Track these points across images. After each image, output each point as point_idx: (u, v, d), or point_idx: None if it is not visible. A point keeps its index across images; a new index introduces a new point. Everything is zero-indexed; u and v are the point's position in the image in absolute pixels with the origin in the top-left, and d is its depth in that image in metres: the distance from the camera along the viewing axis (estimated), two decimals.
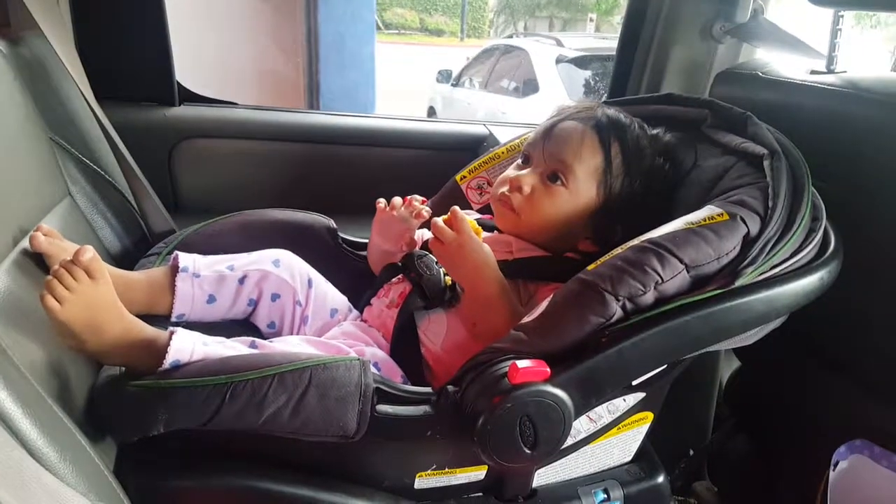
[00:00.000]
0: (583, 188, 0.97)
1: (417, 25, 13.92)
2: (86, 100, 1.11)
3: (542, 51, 5.22)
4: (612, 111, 1.02)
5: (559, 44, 5.35)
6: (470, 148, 1.51)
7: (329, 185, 1.50)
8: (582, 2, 10.72)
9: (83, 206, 1.08)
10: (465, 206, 1.19)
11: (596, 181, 0.97)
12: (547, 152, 0.98)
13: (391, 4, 16.19)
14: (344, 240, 1.15)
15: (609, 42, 6.62)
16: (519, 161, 1.05)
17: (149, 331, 0.77)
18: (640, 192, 0.98)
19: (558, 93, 4.76)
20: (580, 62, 4.99)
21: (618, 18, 9.37)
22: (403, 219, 1.02)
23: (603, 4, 9.32)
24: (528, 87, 5.03)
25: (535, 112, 4.43)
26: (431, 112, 6.39)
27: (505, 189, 1.00)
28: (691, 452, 1.35)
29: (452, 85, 6.17)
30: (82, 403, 0.75)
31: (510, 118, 4.38)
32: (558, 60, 4.98)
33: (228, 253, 1.01)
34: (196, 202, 1.47)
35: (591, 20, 10.47)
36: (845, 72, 1.08)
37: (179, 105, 1.46)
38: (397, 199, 1.03)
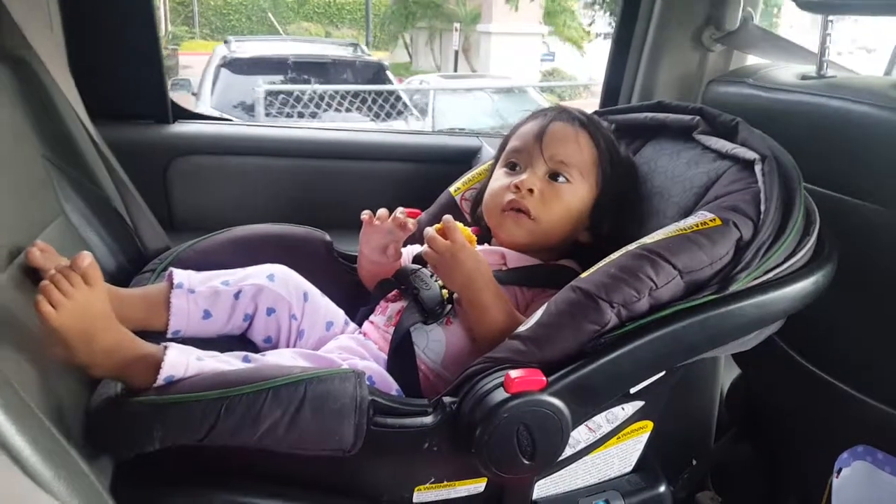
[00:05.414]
0: (584, 182, 1.02)
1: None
2: (79, 118, 1.11)
3: (217, 54, 5.34)
4: (578, 111, 1.09)
5: (228, 47, 5.45)
6: (463, 160, 1.51)
7: (324, 199, 1.50)
8: (453, 11, 10.97)
9: (77, 224, 1.08)
10: (459, 217, 1.19)
11: (593, 174, 1.03)
12: (546, 154, 1.01)
13: (295, 18, 15.65)
14: (339, 253, 1.15)
15: (289, 45, 6.55)
16: (504, 170, 1.05)
17: (142, 345, 0.77)
18: (622, 177, 1.05)
19: (207, 97, 4.90)
20: (234, 66, 5.13)
21: (479, 26, 9.68)
22: (388, 230, 1.02)
23: (467, 14, 9.58)
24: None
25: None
26: None
27: (512, 196, 1.00)
28: (694, 462, 1.34)
29: (193, 94, 5.94)
30: (78, 421, 0.74)
31: None
32: (219, 65, 5.12)
33: (224, 268, 1.01)
34: (191, 218, 1.47)
35: (457, 30, 10.76)
36: (835, 77, 1.08)
37: (173, 122, 1.47)
38: (382, 211, 1.02)
